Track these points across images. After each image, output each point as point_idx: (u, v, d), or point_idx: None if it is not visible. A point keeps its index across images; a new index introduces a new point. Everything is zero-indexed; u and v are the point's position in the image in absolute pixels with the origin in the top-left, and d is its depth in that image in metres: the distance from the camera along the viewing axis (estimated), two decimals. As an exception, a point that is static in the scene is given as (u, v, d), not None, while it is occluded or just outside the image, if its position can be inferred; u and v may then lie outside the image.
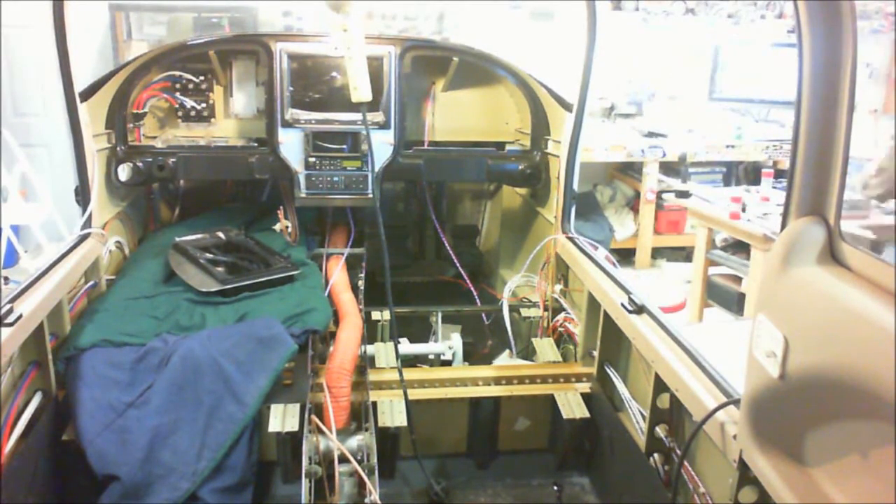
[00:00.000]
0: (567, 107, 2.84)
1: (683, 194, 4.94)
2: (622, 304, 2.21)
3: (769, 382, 1.40)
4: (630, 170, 6.18)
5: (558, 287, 2.98)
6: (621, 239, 6.03)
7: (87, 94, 2.60)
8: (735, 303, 4.66)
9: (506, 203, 3.85)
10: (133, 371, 2.22)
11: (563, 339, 2.92)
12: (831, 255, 1.35)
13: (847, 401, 1.24)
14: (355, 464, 2.15)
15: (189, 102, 3.18)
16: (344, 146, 3.03)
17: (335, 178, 3.05)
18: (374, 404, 2.42)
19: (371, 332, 2.83)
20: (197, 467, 2.07)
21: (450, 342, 2.91)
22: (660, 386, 2.00)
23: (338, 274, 2.98)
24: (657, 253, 6.20)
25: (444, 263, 3.93)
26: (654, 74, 6.33)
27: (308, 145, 3.01)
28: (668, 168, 5.99)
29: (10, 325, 1.79)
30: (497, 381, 2.59)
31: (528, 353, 3.00)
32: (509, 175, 3.23)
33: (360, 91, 2.50)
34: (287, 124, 2.99)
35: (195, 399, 2.15)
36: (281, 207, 3.20)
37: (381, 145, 3.03)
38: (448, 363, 2.88)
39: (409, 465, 2.51)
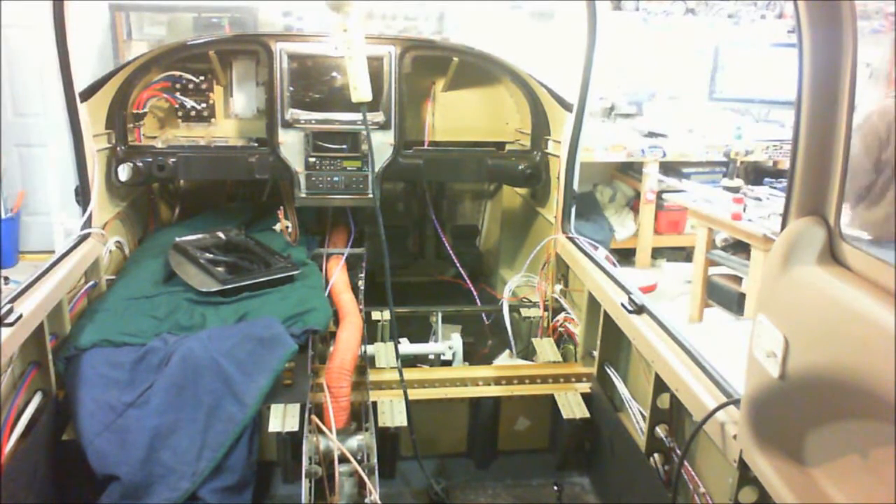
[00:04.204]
0: (567, 107, 2.84)
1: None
2: (622, 304, 2.21)
3: (769, 382, 1.40)
4: (630, 170, 6.18)
5: (558, 287, 2.98)
6: (621, 239, 6.03)
7: (87, 94, 2.60)
8: (735, 303, 4.66)
9: (506, 203, 3.85)
10: (133, 371, 2.22)
11: (563, 339, 2.92)
12: (831, 255, 1.35)
13: (847, 401, 1.24)
14: (355, 464, 2.15)
15: (189, 102, 3.18)
16: (344, 146, 3.04)
17: (335, 179, 3.05)
18: (374, 404, 2.42)
19: (371, 332, 2.83)
20: (197, 467, 2.07)
21: (450, 342, 2.91)
22: (660, 386, 2.00)
23: (338, 274, 2.98)
24: (657, 253, 6.20)
25: (444, 263, 3.93)
26: (654, 74, 6.33)
27: (308, 145, 3.01)
28: (667, 168, 5.99)
29: (10, 325, 1.79)
30: (497, 381, 2.59)
31: (528, 353, 3.00)
32: (509, 175, 3.23)
33: (360, 91, 2.50)
34: (287, 124, 2.99)
35: (195, 399, 2.15)
36: (281, 207, 3.20)
37: (381, 145, 3.03)
38: (448, 363, 2.88)
39: (409, 465, 2.51)
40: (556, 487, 2.51)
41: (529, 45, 5.01)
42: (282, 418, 2.22)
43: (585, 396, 2.56)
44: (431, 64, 3.26)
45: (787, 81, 5.03)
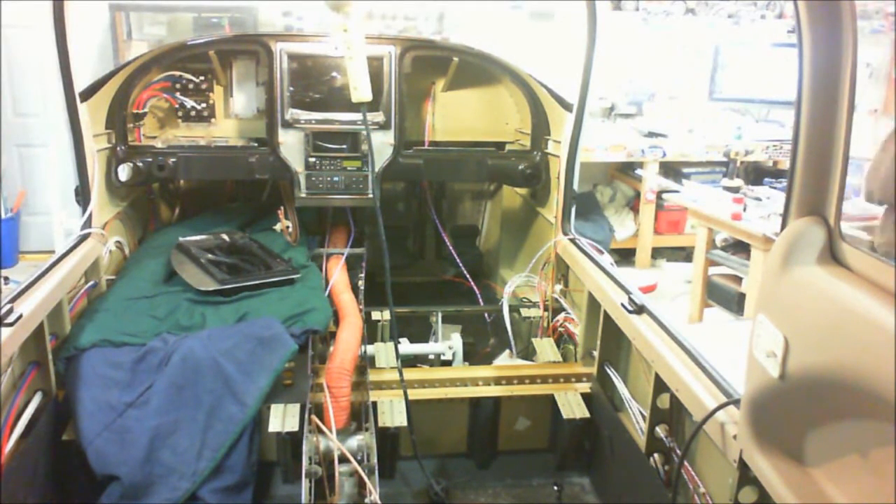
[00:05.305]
0: (567, 107, 2.84)
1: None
2: (622, 304, 2.21)
3: (769, 382, 1.40)
4: (630, 170, 6.19)
5: (558, 287, 2.98)
6: (621, 239, 6.03)
7: (87, 94, 2.60)
8: (735, 303, 4.66)
9: (506, 203, 3.86)
10: (133, 371, 2.22)
11: (563, 339, 2.92)
12: (831, 255, 1.35)
13: (847, 401, 1.24)
14: (355, 464, 2.16)
15: (189, 102, 3.17)
16: (344, 146, 3.04)
17: (335, 179, 3.05)
18: (374, 404, 2.42)
19: (371, 332, 2.84)
20: (197, 467, 2.07)
21: (450, 342, 2.91)
22: (660, 386, 2.00)
23: (338, 274, 2.98)
24: (657, 253, 6.20)
25: (444, 263, 3.94)
26: (654, 74, 6.33)
27: (308, 145, 3.01)
28: (668, 168, 5.99)
29: (10, 325, 1.79)
30: (497, 381, 2.59)
31: (528, 353, 3.00)
32: (509, 175, 3.23)
33: (360, 91, 2.50)
34: (287, 124, 2.99)
35: (195, 399, 2.15)
36: (281, 207, 3.20)
37: (381, 145, 3.03)
38: (448, 363, 2.88)
39: (409, 465, 2.51)
40: (556, 487, 2.51)
41: (529, 45, 5.01)
42: (282, 418, 2.22)
43: (585, 396, 2.56)
44: (431, 64, 3.26)
45: (787, 81, 5.03)
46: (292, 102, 3.00)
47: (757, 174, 5.83)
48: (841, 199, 1.33)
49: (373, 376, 2.52)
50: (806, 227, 1.36)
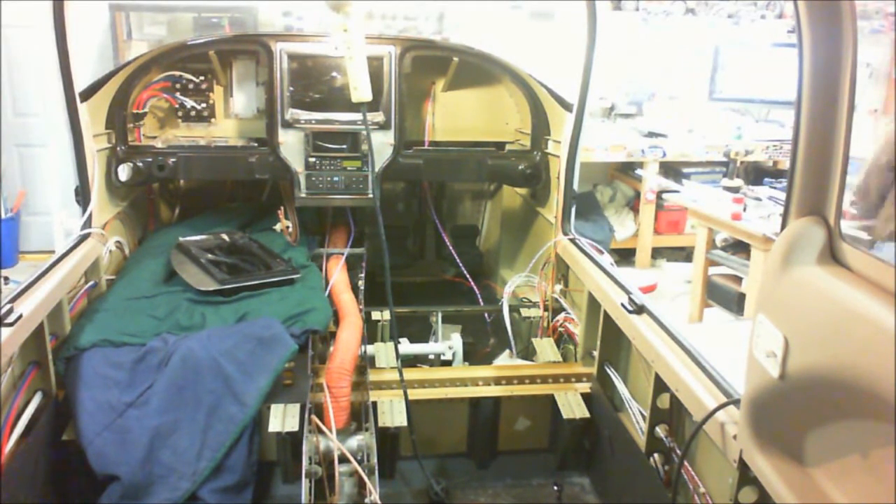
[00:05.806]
0: (567, 107, 2.84)
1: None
2: (622, 304, 2.21)
3: (769, 382, 1.40)
4: (630, 170, 6.19)
5: (558, 287, 2.98)
6: (621, 239, 6.03)
7: (87, 94, 2.60)
8: (735, 303, 4.66)
9: (506, 203, 3.86)
10: (133, 371, 2.22)
11: (563, 339, 2.93)
12: (831, 255, 1.35)
13: (847, 401, 1.24)
14: (355, 464, 2.16)
15: (189, 102, 3.18)
16: (344, 146, 3.04)
17: (335, 179, 3.05)
18: (374, 404, 2.42)
19: (371, 332, 2.84)
20: (197, 467, 2.07)
21: (450, 342, 2.91)
22: (660, 386, 2.00)
23: (338, 274, 2.98)
24: (657, 253, 6.20)
25: (444, 263, 3.94)
26: (654, 74, 6.33)
27: (308, 145, 3.01)
28: (668, 168, 5.99)
29: (10, 325, 1.79)
30: (497, 381, 2.59)
31: (528, 353, 3.00)
32: (509, 175, 3.23)
33: (360, 91, 2.51)
34: (287, 124, 2.99)
35: (195, 399, 2.15)
36: (281, 207, 3.20)
37: (381, 145, 3.03)
38: (448, 363, 2.88)
39: (409, 465, 2.51)
40: (556, 487, 2.51)
41: (529, 45, 5.01)
42: (282, 418, 2.22)
43: (585, 396, 2.56)
44: (431, 64, 3.26)
45: (787, 81, 5.03)
46: (292, 102, 3.00)
47: (757, 174, 5.83)
48: (841, 199, 1.33)
49: (373, 376, 2.52)
50: (806, 227, 1.36)
